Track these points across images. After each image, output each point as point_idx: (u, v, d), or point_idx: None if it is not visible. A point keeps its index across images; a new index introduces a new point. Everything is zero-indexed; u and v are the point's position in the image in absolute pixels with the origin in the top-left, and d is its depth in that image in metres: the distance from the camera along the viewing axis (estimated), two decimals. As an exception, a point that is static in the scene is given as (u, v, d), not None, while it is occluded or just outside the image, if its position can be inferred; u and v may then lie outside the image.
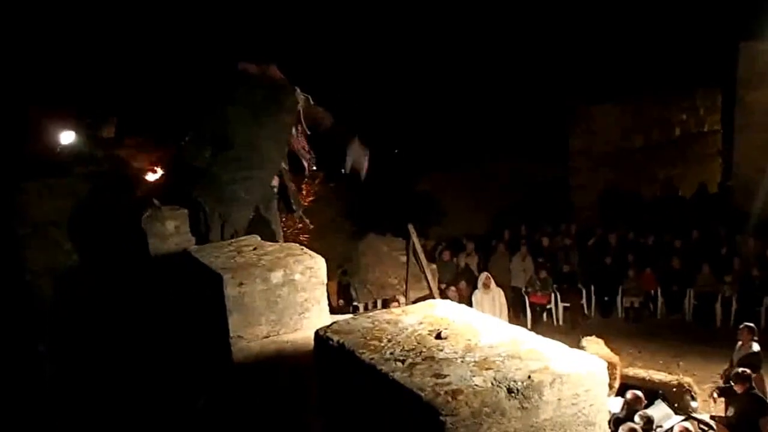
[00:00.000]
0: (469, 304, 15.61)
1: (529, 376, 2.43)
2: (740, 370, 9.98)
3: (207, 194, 5.97)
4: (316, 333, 3.02)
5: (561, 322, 16.36)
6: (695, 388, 10.93)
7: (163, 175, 9.30)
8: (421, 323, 3.01)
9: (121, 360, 5.99)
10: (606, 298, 16.70)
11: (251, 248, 4.51)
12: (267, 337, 4.13)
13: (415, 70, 29.86)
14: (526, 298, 16.65)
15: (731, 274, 15.77)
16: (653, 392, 10.19)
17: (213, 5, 23.31)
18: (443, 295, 14.13)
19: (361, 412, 2.75)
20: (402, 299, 15.31)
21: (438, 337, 2.85)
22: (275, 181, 6.50)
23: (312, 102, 6.73)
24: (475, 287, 15.85)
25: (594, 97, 23.61)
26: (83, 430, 6.24)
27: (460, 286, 16.22)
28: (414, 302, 15.34)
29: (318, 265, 4.26)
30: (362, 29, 28.95)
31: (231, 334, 4.03)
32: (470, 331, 2.89)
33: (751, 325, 11.68)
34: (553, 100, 25.78)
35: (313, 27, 27.39)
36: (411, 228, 15.51)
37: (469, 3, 29.91)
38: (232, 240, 4.81)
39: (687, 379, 11.05)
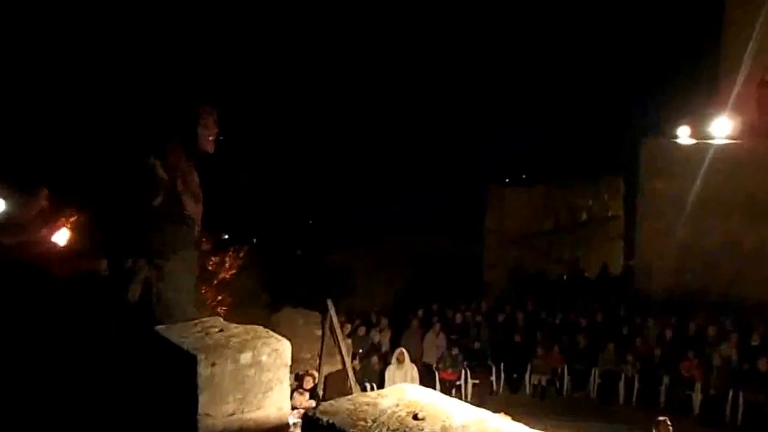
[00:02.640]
0: (381, 380, 15.92)
1: (504, 455, 2.81)
2: None
3: None
4: (305, 414, 3.35)
5: (469, 398, 16.71)
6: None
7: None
8: (397, 405, 3.36)
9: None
10: (515, 375, 17.25)
11: (217, 329, 4.78)
12: (232, 414, 4.38)
13: (327, 145, 30.47)
14: (437, 373, 16.99)
15: (633, 354, 16.56)
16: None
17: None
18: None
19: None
20: (315, 374, 15.45)
21: (415, 418, 3.22)
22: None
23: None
24: (386, 362, 16.18)
25: (507, 180, 24.68)
26: None
27: (372, 361, 16.53)
28: (326, 377, 15.47)
29: (283, 347, 4.56)
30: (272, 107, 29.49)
31: (199, 412, 4.27)
32: (443, 413, 3.26)
33: (666, 420, 11.95)
34: (467, 179, 26.73)
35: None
36: (330, 303, 15.75)
37: (395, 75, 30.79)
38: (196, 321, 5.05)
39: (591, 458, 11.52)
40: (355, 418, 3.22)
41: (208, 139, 6.12)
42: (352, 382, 14.49)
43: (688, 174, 20.08)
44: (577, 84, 29.71)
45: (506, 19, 31.27)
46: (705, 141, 20.45)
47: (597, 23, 29.86)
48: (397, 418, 3.22)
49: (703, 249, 19.76)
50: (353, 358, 16.38)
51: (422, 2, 31.47)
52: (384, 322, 18.51)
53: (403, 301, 21.85)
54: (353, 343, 17.00)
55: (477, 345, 17.57)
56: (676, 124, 21.20)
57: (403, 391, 3.57)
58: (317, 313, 16.35)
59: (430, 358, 17.17)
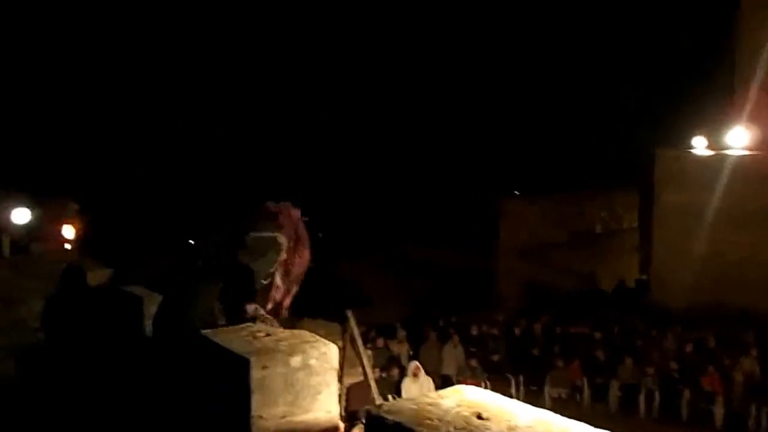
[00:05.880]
0: (398, 391, 15.88)
1: (574, 453, 2.80)
2: None
3: None
4: (368, 412, 3.35)
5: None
6: (621, 482, 11.29)
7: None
8: (459, 405, 3.36)
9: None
10: (534, 388, 17.17)
11: (263, 334, 4.80)
12: (283, 417, 4.39)
13: (340, 157, 30.50)
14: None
15: (652, 367, 16.46)
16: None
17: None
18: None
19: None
20: (338, 384, 15.30)
21: (479, 417, 3.22)
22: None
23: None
24: (404, 374, 16.13)
25: (519, 192, 24.65)
26: None
27: (391, 373, 16.46)
28: (348, 388, 15.43)
29: (331, 351, 4.58)
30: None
31: (252, 414, 4.29)
32: (507, 413, 3.26)
33: None
34: (480, 192, 26.72)
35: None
36: (350, 314, 15.65)
37: (404, 90, 30.87)
38: (242, 326, 5.08)
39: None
40: (420, 417, 3.22)
41: None
42: (375, 394, 14.44)
43: (703, 185, 20.00)
44: (590, 95, 29.72)
45: (519, 28, 31.35)
46: (721, 152, 20.39)
47: (610, 34, 29.90)
48: (462, 418, 3.22)
49: (720, 261, 19.66)
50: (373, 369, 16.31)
51: (426, 15, 31.61)
52: (401, 333, 18.48)
53: (418, 313, 21.79)
54: (374, 354, 16.95)
55: (496, 357, 17.53)
56: (691, 135, 21.14)
57: (463, 391, 3.58)
58: (337, 324, 16.28)
59: (450, 369, 17.12)
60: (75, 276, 7.72)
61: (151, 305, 5.94)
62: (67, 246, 9.69)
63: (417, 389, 15.37)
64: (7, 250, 10.55)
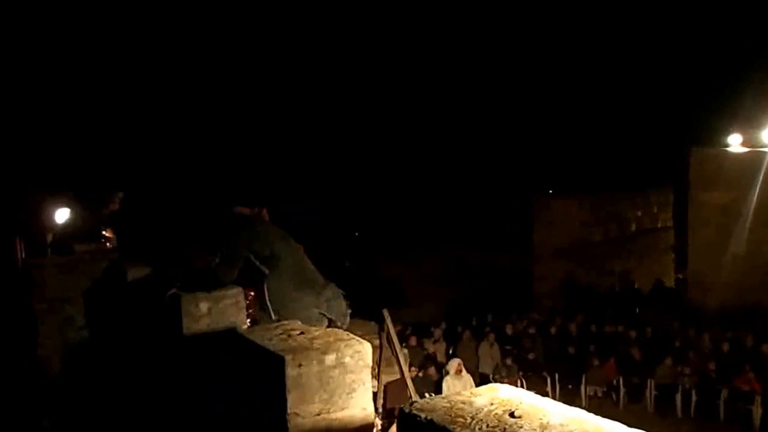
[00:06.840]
0: (438, 390, 15.93)
1: (607, 451, 2.87)
2: None
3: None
4: (401, 410, 3.44)
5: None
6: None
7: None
8: (492, 403, 3.44)
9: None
10: (570, 386, 17.16)
11: (298, 332, 4.90)
12: (318, 414, 4.50)
13: (372, 157, 30.58)
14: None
15: (689, 366, 16.34)
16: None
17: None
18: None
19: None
20: (374, 382, 15.43)
21: (512, 416, 3.28)
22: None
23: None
24: (442, 373, 16.17)
25: (554, 191, 24.56)
26: None
27: (428, 372, 16.51)
28: (385, 386, 15.51)
29: (365, 349, 4.67)
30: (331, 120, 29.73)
31: (288, 411, 4.39)
32: (538, 411, 3.33)
33: None
34: (514, 192, 26.65)
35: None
36: (386, 313, 15.75)
37: (439, 89, 30.83)
38: (277, 324, 5.19)
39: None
40: (453, 415, 3.29)
41: None
42: (411, 392, 14.53)
43: (740, 183, 19.80)
44: (625, 92, 29.52)
45: (551, 23, 31.22)
46: (757, 149, 20.13)
47: (646, 31, 29.68)
48: (494, 416, 3.29)
49: (757, 260, 19.45)
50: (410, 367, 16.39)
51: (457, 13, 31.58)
52: (438, 332, 18.55)
53: (453, 313, 21.82)
54: (408, 353, 17.02)
55: (531, 356, 17.54)
56: (727, 133, 20.90)
57: (496, 390, 3.65)
58: (374, 323, 16.39)
59: (486, 368, 17.17)
60: (116, 274, 7.90)
61: (190, 304, 6.08)
62: (110, 245, 9.88)
63: (460, 387, 15.40)
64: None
